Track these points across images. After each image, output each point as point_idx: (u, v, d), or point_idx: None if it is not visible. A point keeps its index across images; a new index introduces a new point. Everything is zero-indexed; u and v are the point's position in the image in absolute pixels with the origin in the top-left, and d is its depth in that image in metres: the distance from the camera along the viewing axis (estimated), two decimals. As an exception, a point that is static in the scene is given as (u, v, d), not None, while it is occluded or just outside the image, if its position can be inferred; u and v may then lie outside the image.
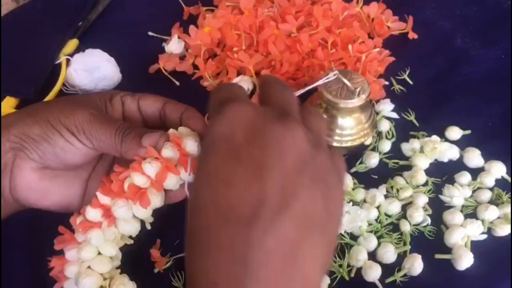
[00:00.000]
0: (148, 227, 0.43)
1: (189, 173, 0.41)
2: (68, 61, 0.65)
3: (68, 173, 0.44)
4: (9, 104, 0.62)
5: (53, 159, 0.42)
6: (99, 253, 0.43)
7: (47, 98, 0.62)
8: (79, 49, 0.67)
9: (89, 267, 0.43)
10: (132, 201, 0.41)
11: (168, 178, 0.41)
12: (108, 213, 0.42)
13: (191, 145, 0.41)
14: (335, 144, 0.55)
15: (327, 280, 0.47)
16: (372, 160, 0.56)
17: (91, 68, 0.63)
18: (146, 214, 0.42)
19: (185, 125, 0.43)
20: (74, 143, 0.42)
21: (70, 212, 0.44)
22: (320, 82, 0.52)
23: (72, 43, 0.68)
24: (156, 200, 0.42)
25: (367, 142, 0.58)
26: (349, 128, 0.55)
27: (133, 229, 0.43)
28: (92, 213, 0.42)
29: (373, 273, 0.48)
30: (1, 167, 0.41)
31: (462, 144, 0.57)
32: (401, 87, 0.64)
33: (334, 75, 0.53)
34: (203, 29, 0.65)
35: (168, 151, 0.40)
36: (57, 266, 0.44)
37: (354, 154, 0.57)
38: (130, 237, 0.44)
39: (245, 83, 0.63)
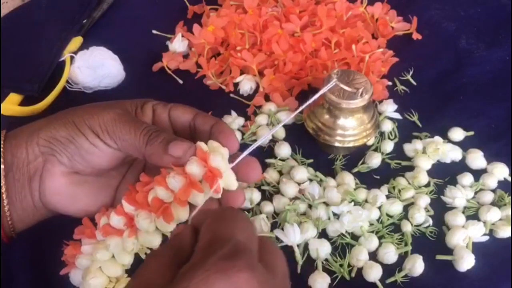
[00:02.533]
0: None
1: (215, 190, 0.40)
2: (72, 58, 0.65)
3: (97, 179, 0.44)
4: (13, 100, 0.62)
5: (81, 161, 0.42)
6: (113, 256, 0.43)
7: (50, 95, 0.62)
8: (83, 46, 0.67)
9: (100, 267, 0.42)
10: (156, 214, 0.40)
11: (192, 195, 0.40)
12: (131, 223, 0.41)
13: (218, 162, 0.39)
14: (337, 144, 0.55)
15: (327, 280, 0.47)
16: (374, 161, 0.56)
17: (95, 65, 0.63)
18: (169, 228, 0.41)
19: (215, 139, 0.42)
20: (98, 145, 0.42)
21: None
22: (323, 91, 0.52)
23: (76, 41, 0.68)
24: (181, 215, 0.40)
25: (370, 143, 0.58)
26: (351, 129, 0.55)
27: (155, 241, 0.42)
28: (115, 220, 0.42)
29: (374, 273, 0.47)
30: (1, 167, 0.41)
31: (464, 145, 0.57)
32: (405, 88, 0.64)
33: (337, 74, 0.53)
34: (207, 27, 0.65)
35: (194, 167, 0.39)
36: (71, 252, 0.44)
37: (356, 154, 0.57)
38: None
39: (248, 82, 0.63)
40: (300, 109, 0.50)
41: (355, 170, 0.56)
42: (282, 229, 0.49)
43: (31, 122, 0.44)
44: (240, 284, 0.28)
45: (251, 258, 0.29)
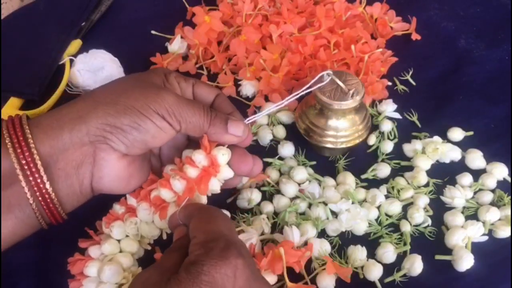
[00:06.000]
0: (164, 237, 0.46)
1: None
2: (71, 61, 0.65)
3: (141, 156, 0.46)
4: (13, 104, 0.62)
5: (140, 146, 0.43)
6: (121, 251, 0.45)
7: (51, 99, 0.62)
8: (83, 49, 0.67)
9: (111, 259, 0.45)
10: (154, 209, 0.44)
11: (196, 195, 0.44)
12: (132, 213, 0.45)
13: (220, 158, 0.45)
14: (329, 145, 0.55)
15: (332, 282, 0.47)
16: (384, 170, 0.55)
17: (95, 68, 0.63)
18: (164, 225, 0.45)
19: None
20: (165, 128, 0.43)
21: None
22: (318, 85, 0.53)
23: (76, 44, 0.68)
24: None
25: (370, 142, 0.58)
26: (343, 130, 0.55)
27: (153, 232, 0.46)
28: (117, 208, 0.46)
29: (375, 272, 0.47)
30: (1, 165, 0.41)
31: (464, 145, 0.57)
32: (404, 88, 0.64)
33: (328, 75, 0.53)
34: (200, 27, 0.65)
35: (200, 156, 0.44)
36: (77, 266, 0.44)
37: (357, 154, 0.57)
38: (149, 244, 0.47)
39: (251, 87, 0.63)
40: (294, 96, 0.51)
41: (364, 176, 0.55)
42: (281, 230, 0.50)
43: (62, 109, 0.43)
44: (238, 267, 0.36)
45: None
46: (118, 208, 0.46)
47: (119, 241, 0.46)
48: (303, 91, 0.51)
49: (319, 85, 0.53)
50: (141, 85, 0.44)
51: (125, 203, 0.46)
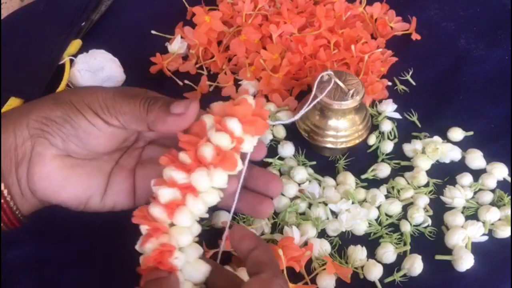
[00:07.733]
0: (206, 215, 0.41)
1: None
2: (71, 61, 0.65)
3: (89, 163, 0.43)
4: (13, 104, 0.62)
5: (77, 142, 0.41)
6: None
7: (51, 98, 0.62)
8: (83, 49, 0.67)
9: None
10: (214, 166, 0.39)
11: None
12: (184, 191, 0.39)
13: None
14: (329, 145, 0.55)
15: (332, 282, 0.47)
16: (384, 171, 0.55)
17: (95, 68, 0.63)
18: (223, 181, 0.40)
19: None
20: (97, 124, 0.41)
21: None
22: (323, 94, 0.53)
23: (76, 44, 0.68)
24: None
25: (371, 142, 0.58)
26: (343, 130, 0.55)
27: (216, 198, 0.40)
28: (157, 211, 0.38)
29: (375, 272, 0.48)
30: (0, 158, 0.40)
31: (464, 145, 0.57)
32: (404, 88, 0.64)
33: (328, 75, 0.53)
34: (200, 26, 0.65)
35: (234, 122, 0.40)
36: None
37: (357, 154, 0.57)
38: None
39: (251, 87, 0.63)
40: (303, 111, 0.50)
41: (364, 176, 0.55)
42: (281, 230, 0.50)
43: (18, 106, 0.43)
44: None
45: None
46: (157, 211, 0.38)
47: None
48: (311, 102, 0.51)
49: (327, 89, 0.53)
50: (95, 86, 0.44)
51: (173, 183, 0.39)
